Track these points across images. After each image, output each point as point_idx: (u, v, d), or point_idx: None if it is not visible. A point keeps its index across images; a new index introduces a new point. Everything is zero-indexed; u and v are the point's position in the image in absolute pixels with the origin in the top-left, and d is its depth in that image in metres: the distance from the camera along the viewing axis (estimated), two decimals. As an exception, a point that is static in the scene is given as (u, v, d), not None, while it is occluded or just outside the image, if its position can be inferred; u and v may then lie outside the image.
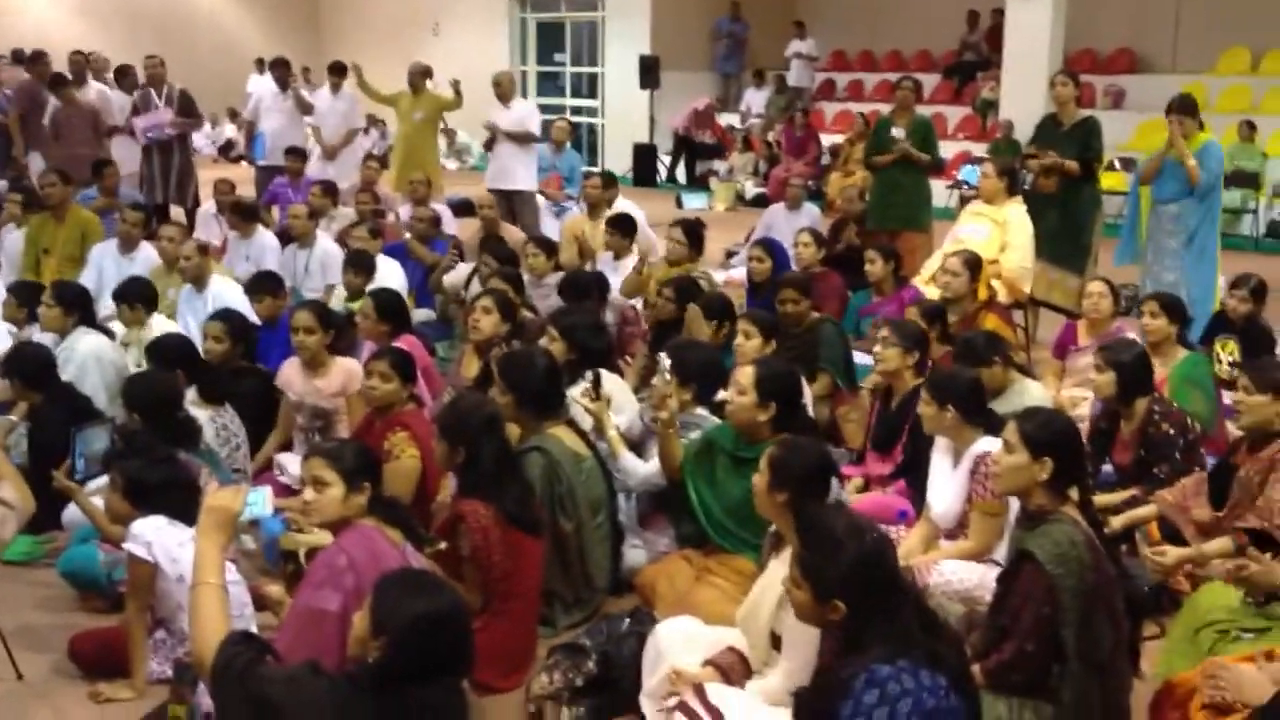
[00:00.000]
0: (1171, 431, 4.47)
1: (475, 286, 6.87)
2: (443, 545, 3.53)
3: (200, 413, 4.71)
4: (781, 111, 17.01)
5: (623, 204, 8.75)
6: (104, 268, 7.24)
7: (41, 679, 3.74)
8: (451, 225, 9.53)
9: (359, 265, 6.86)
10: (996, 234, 7.07)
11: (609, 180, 8.86)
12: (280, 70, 11.29)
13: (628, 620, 3.64)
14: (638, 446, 4.75)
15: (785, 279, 6.04)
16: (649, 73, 17.30)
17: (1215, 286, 7.19)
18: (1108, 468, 4.71)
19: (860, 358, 5.95)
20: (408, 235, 8.28)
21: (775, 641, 3.09)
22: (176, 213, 10.51)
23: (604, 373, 4.90)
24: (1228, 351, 5.85)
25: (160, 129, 10.47)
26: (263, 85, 12.06)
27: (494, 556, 3.59)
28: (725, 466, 4.15)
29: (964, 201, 11.05)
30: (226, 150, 20.65)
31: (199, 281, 6.58)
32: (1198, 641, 3.39)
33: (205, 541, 2.72)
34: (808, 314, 5.82)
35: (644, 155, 17.63)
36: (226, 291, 6.52)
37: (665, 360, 4.46)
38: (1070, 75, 7.77)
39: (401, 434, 4.37)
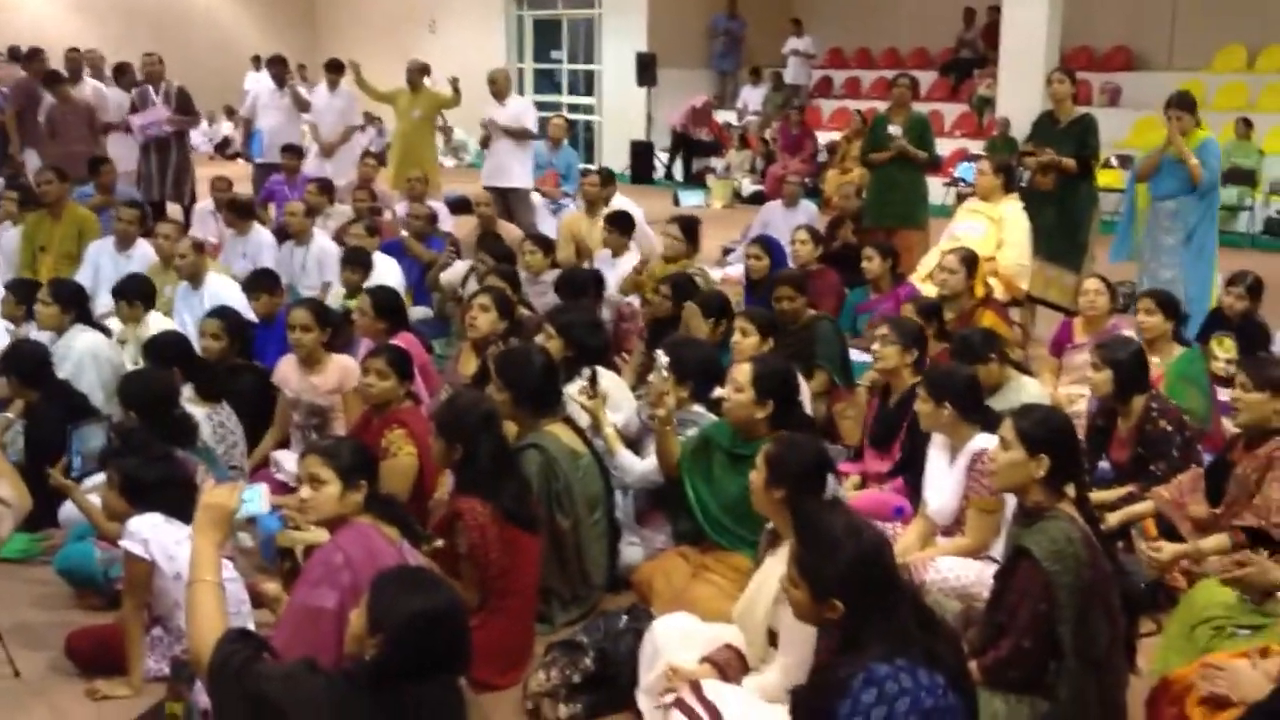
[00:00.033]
0: (1169, 428, 4.47)
1: (472, 284, 6.87)
2: (440, 542, 3.54)
3: (197, 410, 4.71)
4: (778, 109, 17.00)
5: (621, 202, 8.75)
6: (100, 265, 7.23)
7: (38, 676, 3.74)
8: (448, 223, 9.52)
9: (356, 263, 6.85)
10: (993, 231, 7.08)
11: (607, 178, 8.85)
12: (277, 67, 11.27)
13: (625, 617, 3.65)
14: (635, 444, 4.75)
15: (781, 276, 6.04)
16: (646, 70, 17.30)
17: (1213, 284, 7.20)
18: (1105, 464, 4.72)
19: (857, 355, 5.95)
20: (405, 233, 8.27)
21: (772, 638, 3.10)
22: (173, 210, 10.50)
23: (601, 370, 4.91)
24: (1224, 348, 5.85)
25: (158, 126, 10.44)
26: (260, 82, 12.04)
27: (491, 554, 3.59)
28: (722, 463, 4.15)
29: (961, 199, 11.04)
30: (223, 148, 20.65)
31: (195, 279, 6.57)
32: (1194, 638, 3.39)
33: (202, 539, 2.72)
34: (804, 311, 5.83)
35: (641, 153, 17.64)
36: (223, 289, 6.51)
37: (662, 357, 4.45)
38: (1067, 72, 7.77)
39: (398, 431, 4.36)
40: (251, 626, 3.42)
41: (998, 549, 3.75)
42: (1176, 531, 4.11)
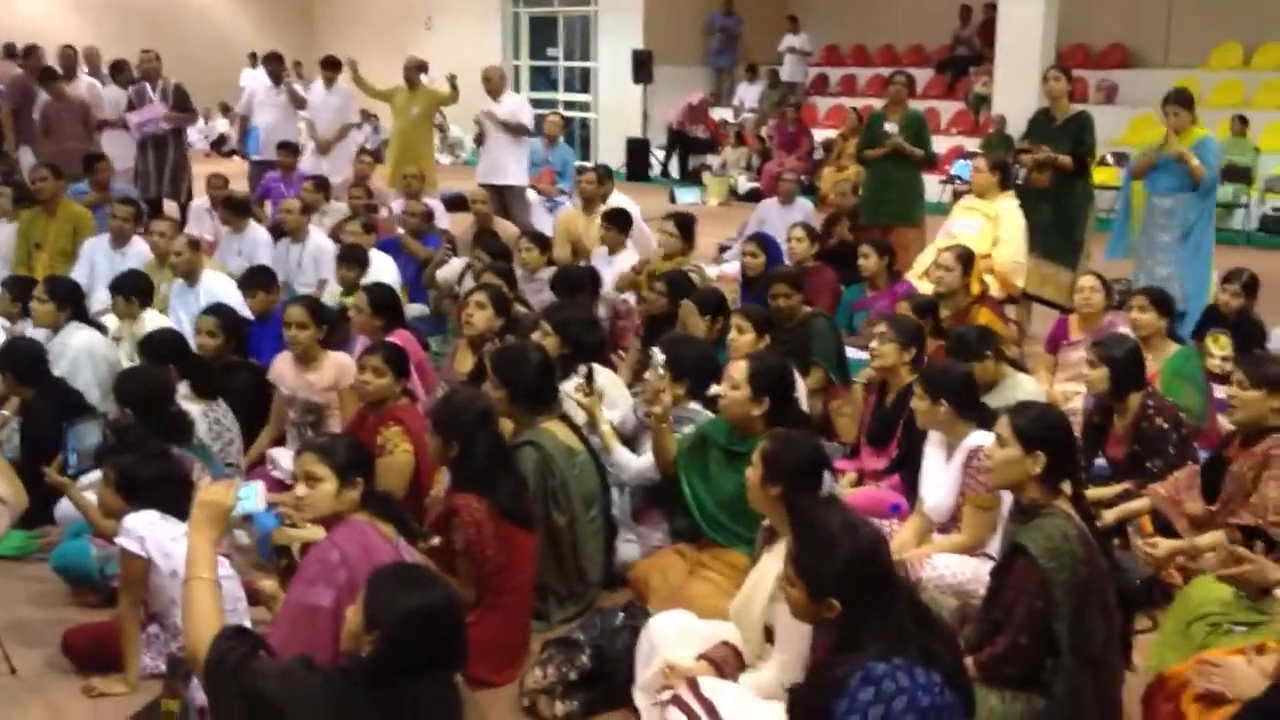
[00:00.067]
0: (1165, 426, 4.48)
1: (468, 281, 6.87)
2: (436, 540, 3.53)
3: (193, 407, 4.70)
4: (774, 106, 17.01)
5: (619, 199, 8.75)
6: (96, 262, 7.22)
7: (35, 674, 3.73)
8: (445, 220, 9.51)
9: (352, 260, 6.85)
10: (989, 229, 7.09)
11: (604, 175, 8.85)
12: (273, 65, 11.25)
13: (621, 614, 3.66)
14: (631, 441, 4.75)
15: (777, 274, 6.04)
16: (642, 67, 17.30)
17: (1210, 281, 7.20)
18: (1101, 461, 4.72)
19: (853, 352, 5.95)
20: (401, 230, 8.27)
21: (769, 635, 3.10)
22: (170, 207, 10.49)
23: (597, 367, 4.91)
24: (1219, 346, 5.86)
25: (155, 123, 10.43)
26: (256, 80, 12.03)
27: (487, 551, 3.59)
28: (718, 461, 4.15)
29: (956, 196, 11.07)
30: (219, 145, 20.62)
31: (191, 276, 6.56)
32: (1190, 635, 3.39)
33: (198, 536, 2.72)
34: (800, 308, 5.83)
35: (637, 150, 17.64)
36: (219, 286, 6.49)
37: (658, 355, 4.45)
38: (1063, 70, 7.78)
39: (395, 429, 4.36)
40: (248, 624, 3.42)
41: (994, 546, 3.75)
42: (1172, 528, 4.11)
